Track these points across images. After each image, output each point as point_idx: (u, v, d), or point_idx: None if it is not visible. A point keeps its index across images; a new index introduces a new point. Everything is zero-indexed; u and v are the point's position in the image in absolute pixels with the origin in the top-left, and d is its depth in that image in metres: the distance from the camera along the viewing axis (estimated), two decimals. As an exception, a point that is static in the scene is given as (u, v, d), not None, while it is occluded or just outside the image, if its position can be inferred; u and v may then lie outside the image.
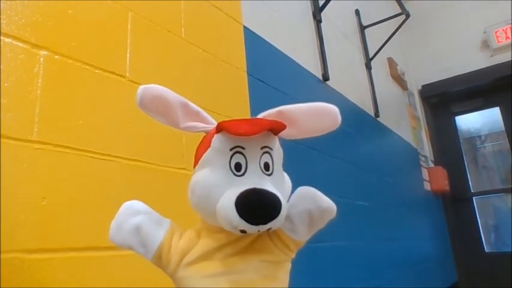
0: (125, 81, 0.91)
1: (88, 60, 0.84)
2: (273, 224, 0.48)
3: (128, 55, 0.94)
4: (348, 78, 2.26)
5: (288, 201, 0.55)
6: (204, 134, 0.56)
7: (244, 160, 0.50)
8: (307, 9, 2.00)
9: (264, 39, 1.53)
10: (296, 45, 1.77)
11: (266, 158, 0.52)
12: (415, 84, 3.67)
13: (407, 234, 2.48)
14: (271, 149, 0.52)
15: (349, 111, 2.14)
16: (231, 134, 0.49)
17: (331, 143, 1.78)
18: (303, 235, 0.56)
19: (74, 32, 0.83)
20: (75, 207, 0.75)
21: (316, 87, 1.86)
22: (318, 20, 2.01)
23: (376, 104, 2.51)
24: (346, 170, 1.91)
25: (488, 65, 3.35)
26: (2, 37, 0.70)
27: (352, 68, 2.38)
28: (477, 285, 3.30)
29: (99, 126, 0.83)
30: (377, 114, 2.49)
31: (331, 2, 2.02)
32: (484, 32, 3.39)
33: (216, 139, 0.51)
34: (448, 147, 3.67)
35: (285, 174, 0.57)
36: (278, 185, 0.52)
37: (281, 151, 0.56)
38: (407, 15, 2.64)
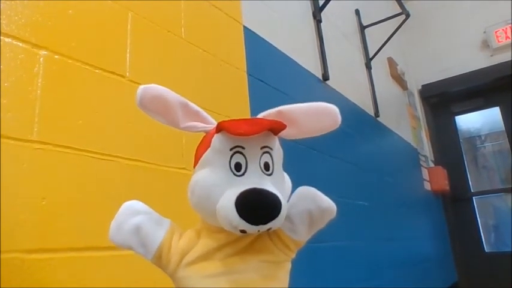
0: (125, 81, 0.91)
1: (88, 60, 0.84)
2: (273, 224, 0.48)
3: (128, 55, 0.94)
4: (348, 78, 2.26)
5: (288, 201, 0.55)
6: (204, 134, 0.56)
7: (244, 160, 0.50)
8: (307, 9, 2.00)
9: (264, 39, 1.53)
10: (296, 45, 1.77)
11: (266, 158, 0.52)
12: (415, 84, 3.67)
13: (407, 234, 2.48)
14: (271, 148, 0.52)
15: (349, 111, 2.14)
16: (231, 133, 0.49)
17: (331, 143, 1.78)
18: (303, 235, 0.56)
19: (74, 32, 0.83)
20: (75, 207, 0.75)
21: (316, 87, 1.86)
22: (318, 20, 2.01)
23: (376, 104, 2.51)
24: (346, 170, 1.91)
25: (488, 65, 3.35)
26: (2, 37, 0.70)
27: (352, 68, 2.38)
28: (477, 285, 3.30)
29: (99, 126, 0.83)
30: (377, 114, 2.49)
31: (331, 2, 2.02)
32: (484, 32, 3.39)
33: (216, 139, 0.51)
34: (448, 147, 3.67)
35: (285, 174, 0.57)
36: (278, 185, 0.52)
37: (281, 151, 0.56)
38: (407, 15, 2.64)
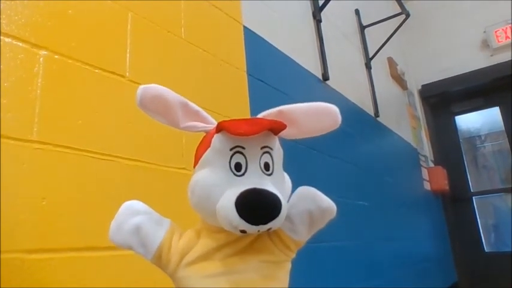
0: (125, 81, 0.91)
1: (88, 60, 0.84)
2: (273, 224, 0.48)
3: (128, 55, 0.94)
4: (348, 78, 2.26)
5: (288, 201, 0.55)
6: (204, 134, 0.56)
7: (244, 160, 0.50)
8: (307, 9, 2.00)
9: (264, 39, 1.53)
10: (296, 45, 1.77)
11: (266, 158, 0.52)
12: (415, 84, 3.67)
13: (407, 234, 2.48)
14: (271, 148, 0.52)
15: (349, 111, 2.14)
16: (231, 133, 0.49)
17: (331, 143, 1.78)
18: (303, 235, 0.56)
19: (73, 32, 0.83)
20: (75, 207, 0.75)
21: (316, 87, 1.86)
22: (317, 20, 2.01)
23: (376, 104, 2.51)
24: (346, 170, 1.91)
25: (488, 65, 3.35)
26: (2, 37, 0.70)
27: (352, 68, 2.38)
28: (477, 285, 3.30)
29: (99, 126, 0.83)
30: (377, 114, 2.49)
31: (331, 1, 2.02)
32: (484, 32, 3.39)
33: (216, 139, 0.51)
34: (448, 147, 3.67)
35: (285, 174, 0.57)
36: (278, 185, 0.52)
37: (281, 151, 0.56)
38: (407, 15, 2.64)
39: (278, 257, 0.54)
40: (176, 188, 0.92)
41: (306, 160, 1.57)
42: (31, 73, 0.73)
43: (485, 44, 3.39)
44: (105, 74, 0.87)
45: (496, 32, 3.33)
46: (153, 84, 0.52)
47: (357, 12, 2.67)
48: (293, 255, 0.56)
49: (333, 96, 1.96)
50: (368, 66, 2.58)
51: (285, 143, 0.56)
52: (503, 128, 3.47)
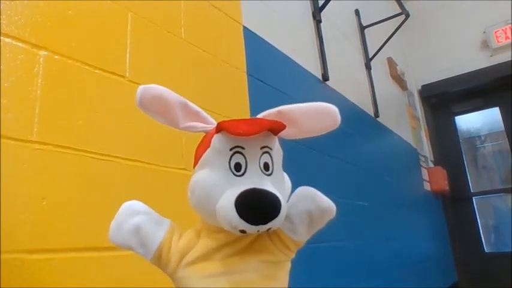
0: (125, 82, 0.91)
1: (88, 60, 0.84)
2: (273, 224, 0.48)
3: (128, 55, 0.94)
4: (348, 78, 2.26)
5: (287, 201, 0.55)
6: (204, 134, 0.56)
7: (244, 160, 0.50)
8: (307, 9, 2.00)
9: (263, 40, 1.53)
10: (296, 45, 1.77)
11: (266, 158, 0.52)
12: (414, 84, 3.67)
13: (407, 234, 2.48)
14: (270, 149, 0.52)
15: (349, 111, 2.14)
16: (230, 134, 0.49)
17: (331, 143, 1.78)
18: (302, 235, 0.56)
19: (73, 32, 0.83)
20: (75, 207, 0.75)
21: (316, 87, 1.86)
22: (317, 20, 2.01)
23: (376, 104, 2.51)
24: (346, 170, 1.91)
25: (487, 65, 3.35)
26: (2, 37, 0.70)
27: (352, 68, 2.38)
28: (477, 285, 3.30)
29: (99, 126, 0.83)
30: (377, 114, 2.49)
31: (331, 2, 2.02)
32: (484, 32, 3.39)
33: (216, 139, 0.51)
34: (448, 147, 3.67)
35: (285, 174, 0.57)
36: (278, 185, 0.52)
37: (281, 151, 0.56)
38: (407, 15, 2.64)
39: (278, 257, 0.55)
40: (176, 188, 0.93)
41: (306, 160, 1.57)
42: (31, 73, 0.74)
43: (485, 44, 3.39)
44: (105, 74, 0.87)
45: (495, 32, 3.33)
46: (152, 85, 0.52)
47: (356, 12, 2.67)
48: (293, 255, 0.57)
49: (333, 97, 1.96)
50: (368, 67, 2.58)
51: (284, 143, 0.56)
52: (503, 128, 3.47)
